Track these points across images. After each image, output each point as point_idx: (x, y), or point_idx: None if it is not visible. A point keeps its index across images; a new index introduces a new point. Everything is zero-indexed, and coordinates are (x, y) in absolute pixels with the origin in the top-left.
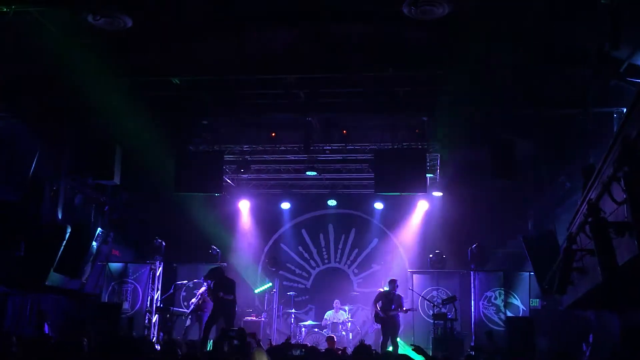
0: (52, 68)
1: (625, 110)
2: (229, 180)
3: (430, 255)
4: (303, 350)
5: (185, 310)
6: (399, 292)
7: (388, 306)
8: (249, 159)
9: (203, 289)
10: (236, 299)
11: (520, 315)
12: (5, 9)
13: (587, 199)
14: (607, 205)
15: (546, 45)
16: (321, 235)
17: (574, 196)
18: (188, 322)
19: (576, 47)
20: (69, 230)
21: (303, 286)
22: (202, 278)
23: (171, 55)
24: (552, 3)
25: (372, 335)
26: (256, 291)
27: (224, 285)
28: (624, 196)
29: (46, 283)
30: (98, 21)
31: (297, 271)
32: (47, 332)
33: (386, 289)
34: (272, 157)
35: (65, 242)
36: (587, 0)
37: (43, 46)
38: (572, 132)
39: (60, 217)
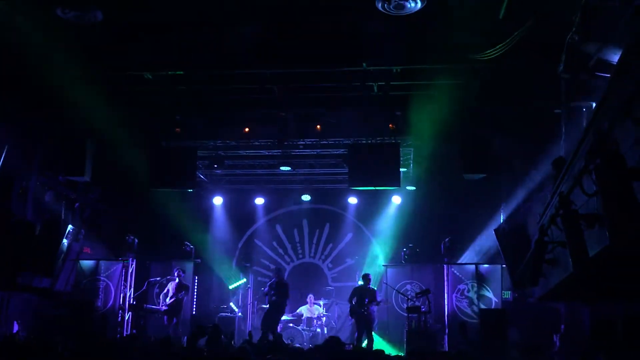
0: (24, 63)
1: (594, 104)
2: (202, 176)
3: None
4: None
5: (159, 307)
6: (372, 286)
7: (362, 300)
8: (222, 154)
9: (173, 284)
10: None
11: (493, 307)
12: None
13: (558, 191)
14: (578, 197)
15: (520, 38)
16: (295, 231)
17: (545, 189)
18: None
19: (548, 41)
20: (39, 227)
21: None
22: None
23: (143, 50)
24: None
25: (348, 330)
26: (230, 287)
27: (277, 289)
28: (595, 188)
29: (16, 281)
30: (67, 15)
31: (272, 266)
32: (16, 331)
33: (360, 283)
34: (246, 152)
35: (35, 239)
36: None
37: (13, 41)
38: (544, 126)
39: (30, 214)
